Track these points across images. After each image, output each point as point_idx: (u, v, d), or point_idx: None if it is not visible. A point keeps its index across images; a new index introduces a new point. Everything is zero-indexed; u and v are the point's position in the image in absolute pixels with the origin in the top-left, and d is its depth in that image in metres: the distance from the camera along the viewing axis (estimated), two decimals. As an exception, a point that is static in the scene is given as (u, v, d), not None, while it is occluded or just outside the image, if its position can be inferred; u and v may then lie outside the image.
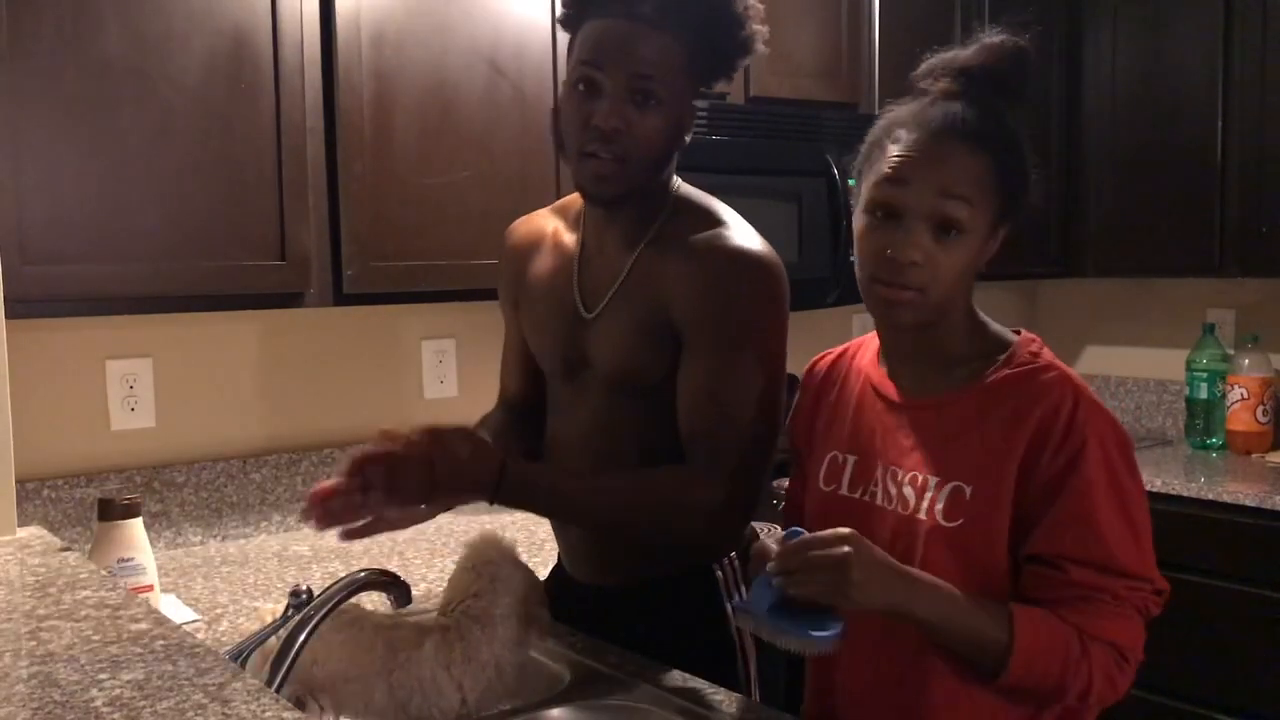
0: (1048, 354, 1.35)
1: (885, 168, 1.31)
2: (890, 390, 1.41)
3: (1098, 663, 1.24)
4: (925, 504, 1.32)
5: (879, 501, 1.37)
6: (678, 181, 1.61)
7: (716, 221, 1.56)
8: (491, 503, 1.43)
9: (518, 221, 1.80)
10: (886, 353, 1.44)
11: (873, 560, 1.21)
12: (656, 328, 1.54)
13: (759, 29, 1.54)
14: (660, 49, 1.47)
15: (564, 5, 1.56)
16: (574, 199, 1.68)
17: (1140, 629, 1.29)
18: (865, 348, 1.49)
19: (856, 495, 1.40)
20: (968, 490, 1.30)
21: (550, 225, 1.73)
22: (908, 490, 1.34)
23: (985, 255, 1.34)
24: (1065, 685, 1.24)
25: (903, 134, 1.31)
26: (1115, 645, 1.26)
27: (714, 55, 1.53)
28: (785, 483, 1.62)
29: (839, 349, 1.54)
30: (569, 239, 1.69)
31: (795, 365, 1.54)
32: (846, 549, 1.19)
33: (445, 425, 1.44)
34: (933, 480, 1.32)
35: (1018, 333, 1.39)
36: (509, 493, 1.43)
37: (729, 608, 1.25)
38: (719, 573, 1.62)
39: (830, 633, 1.20)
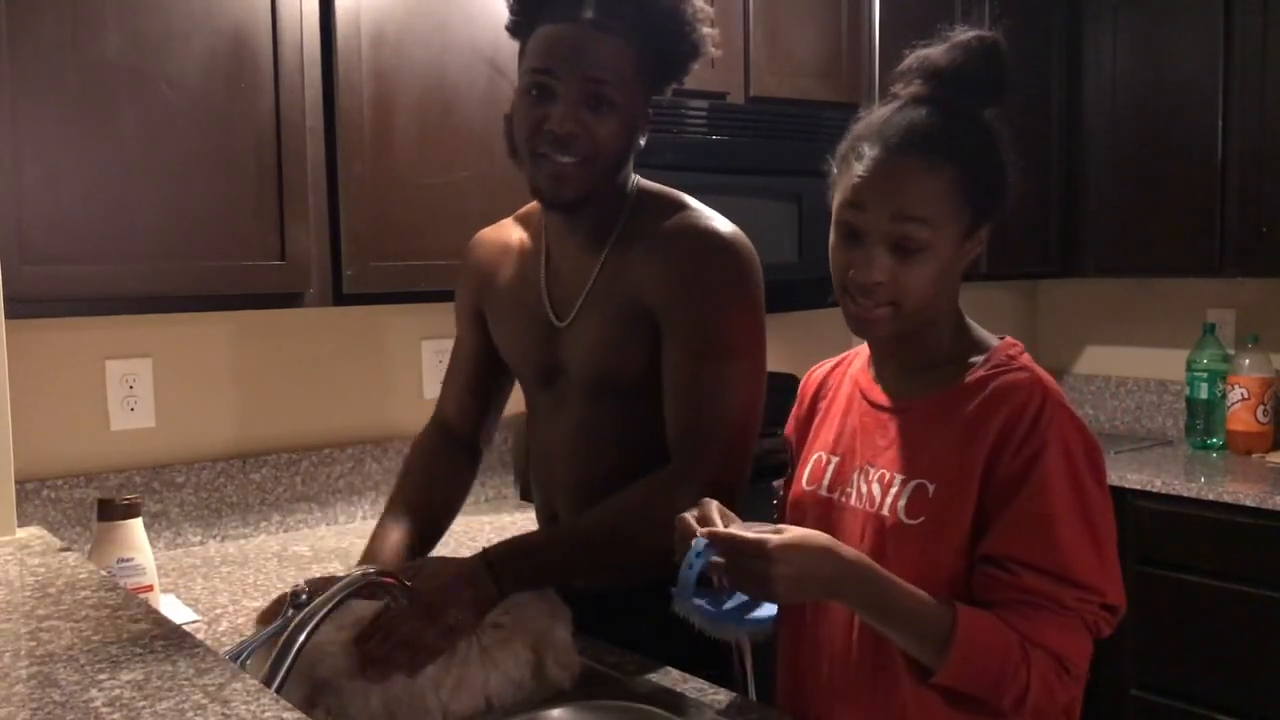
0: (1026, 358, 1.35)
1: (847, 187, 1.30)
2: (875, 393, 1.41)
3: (1037, 670, 1.21)
4: (889, 501, 1.32)
5: (852, 501, 1.38)
6: (636, 178, 1.61)
7: (681, 207, 1.56)
8: (502, 596, 1.45)
9: (481, 233, 1.79)
10: (873, 357, 1.44)
11: (798, 562, 1.18)
12: (632, 323, 1.54)
13: (709, 32, 1.54)
14: (612, 53, 1.48)
15: (512, 11, 1.54)
16: (536, 206, 1.66)
17: (1084, 642, 1.26)
18: (859, 355, 1.49)
19: (834, 495, 1.41)
20: (930, 488, 1.29)
21: (515, 235, 1.73)
22: (876, 488, 1.35)
23: (966, 259, 1.34)
24: (1002, 688, 1.21)
25: (865, 149, 1.29)
26: (1057, 655, 1.23)
27: (665, 59, 1.53)
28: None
29: (836, 359, 1.55)
30: (533, 248, 1.68)
31: (796, 365, 1.54)
32: (770, 568, 1.16)
33: (419, 576, 1.44)
34: (899, 478, 1.32)
35: (1002, 338, 1.39)
36: (510, 583, 1.46)
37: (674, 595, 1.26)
38: None
39: (766, 615, 1.22)
